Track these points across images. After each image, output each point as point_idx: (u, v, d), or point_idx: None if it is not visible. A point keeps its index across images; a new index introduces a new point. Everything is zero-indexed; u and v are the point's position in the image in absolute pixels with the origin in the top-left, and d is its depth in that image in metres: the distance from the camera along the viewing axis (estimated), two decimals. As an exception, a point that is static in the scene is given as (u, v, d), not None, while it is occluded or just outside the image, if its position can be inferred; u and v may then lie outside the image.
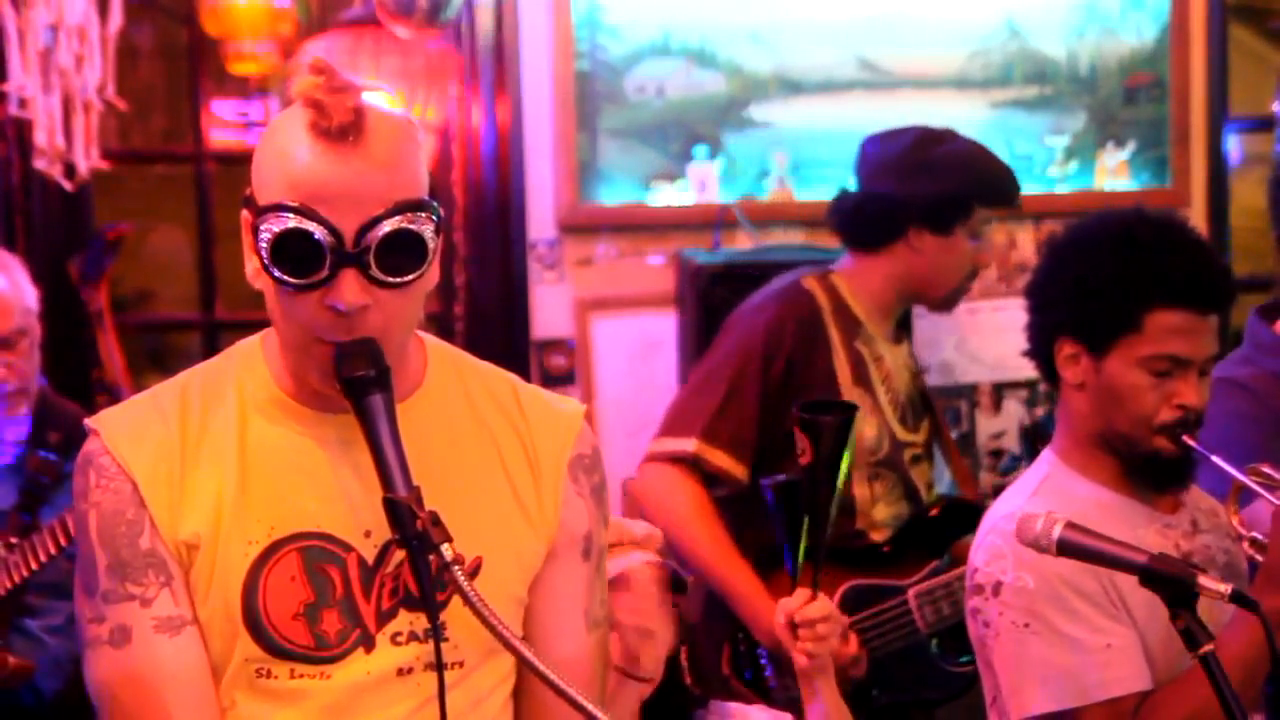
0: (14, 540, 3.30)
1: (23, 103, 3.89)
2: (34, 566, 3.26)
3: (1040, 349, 2.63)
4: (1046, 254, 2.66)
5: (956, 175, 3.46)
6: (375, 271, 1.79)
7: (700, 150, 4.57)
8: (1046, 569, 2.45)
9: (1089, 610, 2.46)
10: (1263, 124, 4.94)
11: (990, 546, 2.54)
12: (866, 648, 3.38)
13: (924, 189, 3.43)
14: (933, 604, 3.41)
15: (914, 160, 3.46)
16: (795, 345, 3.43)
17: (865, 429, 3.46)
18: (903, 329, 3.69)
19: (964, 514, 3.53)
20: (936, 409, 3.74)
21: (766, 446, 3.41)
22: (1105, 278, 2.51)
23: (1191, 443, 2.50)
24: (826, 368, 3.45)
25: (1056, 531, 2.20)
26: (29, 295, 3.43)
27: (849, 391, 3.45)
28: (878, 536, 3.50)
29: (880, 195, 3.47)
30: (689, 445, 3.41)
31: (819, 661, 2.48)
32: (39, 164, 3.94)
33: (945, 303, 3.60)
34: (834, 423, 2.40)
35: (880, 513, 3.51)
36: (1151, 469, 2.55)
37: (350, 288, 1.78)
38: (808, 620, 2.46)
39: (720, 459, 3.41)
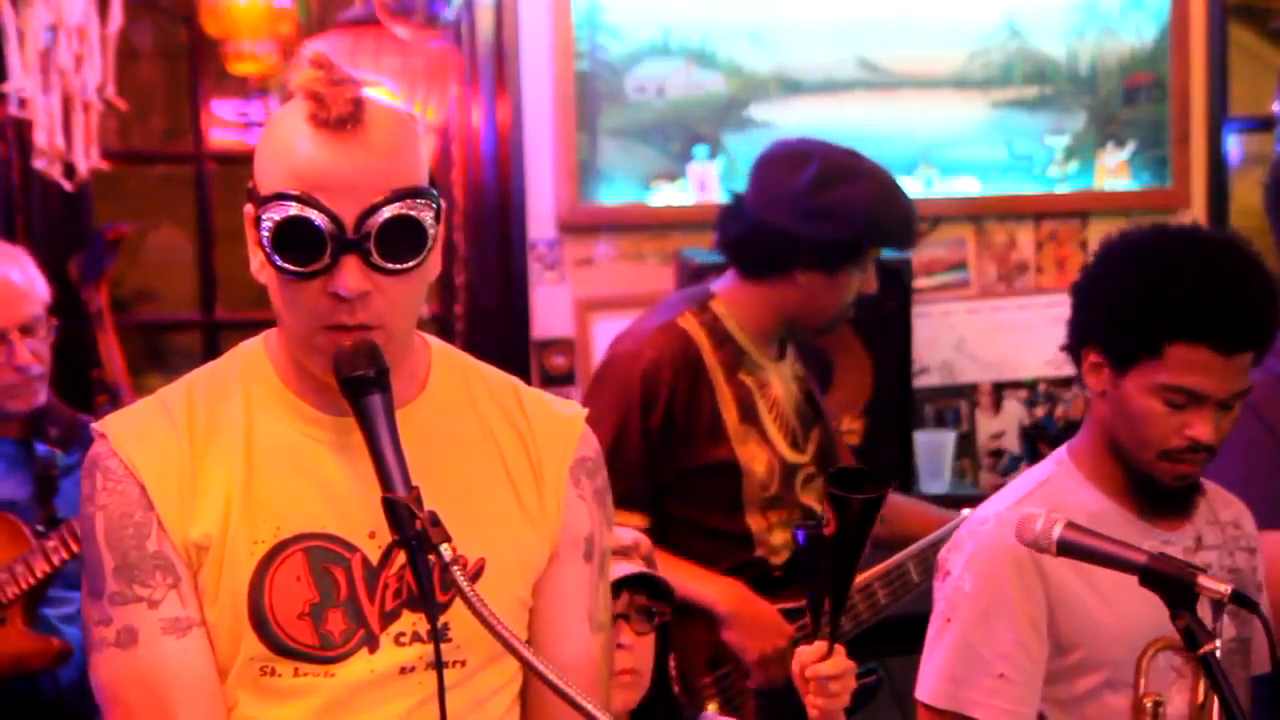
0: (41, 529, 3.34)
1: (23, 103, 3.89)
2: (56, 564, 3.29)
3: (1072, 350, 2.62)
4: (1098, 255, 2.61)
5: (852, 223, 3.30)
6: (376, 258, 1.80)
7: (700, 150, 4.58)
8: (990, 579, 2.50)
9: (1005, 635, 2.49)
10: (1263, 124, 4.95)
11: (959, 536, 2.59)
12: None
13: (818, 234, 3.29)
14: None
15: (810, 203, 3.29)
16: (674, 391, 3.32)
17: (756, 466, 3.37)
18: (785, 338, 3.53)
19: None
20: (824, 409, 3.63)
21: (661, 487, 3.33)
22: (1136, 300, 2.48)
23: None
24: (711, 410, 3.35)
25: (1056, 531, 2.23)
26: (42, 285, 3.49)
27: (735, 430, 3.36)
28: (778, 561, 3.42)
29: (772, 229, 3.32)
30: None
31: (829, 715, 2.51)
32: (39, 164, 3.94)
33: (824, 330, 3.51)
34: (862, 502, 2.34)
35: (778, 537, 3.42)
36: (1147, 491, 2.55)
37: (352, 274, 1.80)
38: (819, 677, 2.47)
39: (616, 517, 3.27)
